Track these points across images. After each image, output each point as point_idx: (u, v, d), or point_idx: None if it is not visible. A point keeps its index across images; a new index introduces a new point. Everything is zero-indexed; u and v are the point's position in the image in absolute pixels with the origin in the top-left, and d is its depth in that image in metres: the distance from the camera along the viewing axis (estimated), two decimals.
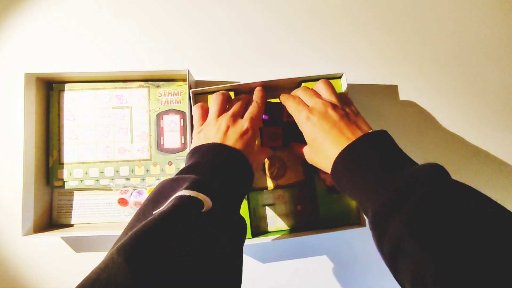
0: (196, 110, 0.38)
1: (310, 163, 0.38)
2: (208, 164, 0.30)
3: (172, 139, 0.45)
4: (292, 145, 0.42)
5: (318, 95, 0.37)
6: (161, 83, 0.46)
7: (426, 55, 0.50)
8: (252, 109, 0.37)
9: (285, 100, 0.38)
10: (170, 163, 0.45)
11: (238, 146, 0.33)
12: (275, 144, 0.44)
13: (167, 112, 0.46)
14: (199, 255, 0.23)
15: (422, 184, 0.24)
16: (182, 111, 0.46)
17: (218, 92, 0.38)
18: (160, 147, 0.45)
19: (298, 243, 0.47)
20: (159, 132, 0.45)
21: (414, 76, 0.50)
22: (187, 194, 0.25)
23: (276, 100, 0.44)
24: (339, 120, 0.33)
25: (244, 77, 0.42)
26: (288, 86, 0.46)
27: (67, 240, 0.47)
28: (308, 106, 0.35)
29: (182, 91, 0.46)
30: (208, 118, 0.37)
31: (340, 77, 0.44)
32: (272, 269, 0.47)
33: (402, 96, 0.49)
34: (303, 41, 0.50)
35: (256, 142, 0.41)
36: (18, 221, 0.40)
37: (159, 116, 0.46)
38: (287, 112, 0.41)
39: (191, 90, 0.41)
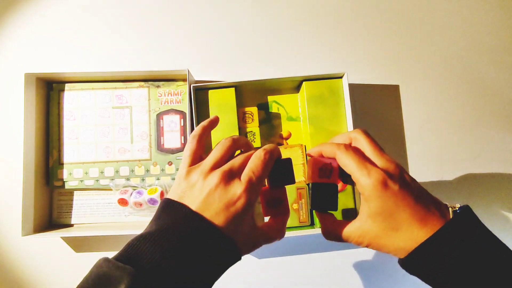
0: (190, 142, 0.28)
1: (363, 245, 0.28)
2: (169, 240, 0.23)
3: (172, 139, 0.45)
4: (328, 223, 0.30)
5: (381, 152, 0.28)
6: (161, 83, 0.46)
7: (428, 55, 0.50)
8: (252, 166, 0.27)
9: (338, 150, 0.28)
10: (170, 163, 0.45)
11: (220, 220, 0.24)
12: (277, 213, 0.32)
13: (167, 112, 0.45)
14: None
15: None
16: (182, 111, 0.45)
17: (228, 138, 0.28)
18: (160, 147, 0.45)
19: (294, 241, 0.47)
20: (159, 132, 0.45)
21: (415, 76, 0.50)
22: None
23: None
24: (421, 192, 0.27)
25: (244, 77, 0.42)
26: (288, 85, 0.46)
27: (67, 240, 0.47)
28: (376, 165, 0.27)
29: (182, 91, 0.45)
30: (202, 164, 0.27)
31: (341, 77, 0.43)
32: (268, 265, 0.47)
33: (403, 96, 0.49)
34: (304, 40, 0.50)
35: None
36: (18, 221, 0.40)
37: (159, 116, 0.45)
38: (319, 169, 0.31)
39: (192, 85, 0.41)
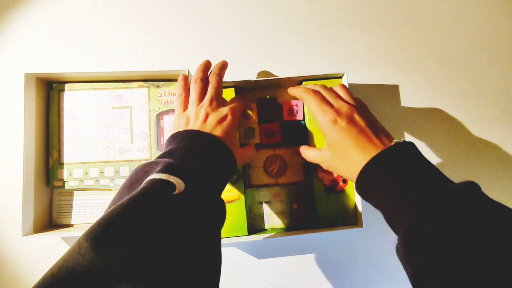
0: (177, 100, 0.38)
1: (326, 168, 0.37)
2: (184, 149, 0.29)
3: None
4: (301, 149, 0.41)
5: (340, 97, 0.36)
6: (161, 83, 0.46)
7: (428, 55, 0.50)
8: (232, 100, 0.38)
9: (304, 94, 0.36)
10: None
11: (217, 132, 0.33)
12: (271, 141, 0.44)
13: (167, 112, 0.45)
14: (171, 238, 0.23)
15: (458, 198, 0.25)
16: None
17: (194, 79, 0.37)
18: (160, 147, 0.45)
19: (294, 241, 0.47)
20: (159, 132, 0.45)
21: (415, 76, 0.50)
22: (158, 178, 0.25)
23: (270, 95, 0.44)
24: (366, 127, 0.32)
25: (244, 77, 0.42)
26: (288, 85, 0.46)
27: (67, 240, 0.47)
28: (332, 106, 0.34)
29: None
30: (190, 105, 0.36)
31: (341, 77, 0.44)
32: (268, 265, 0.47)
33: (403, 96, 0.49)
34: (304, 41, 0.50)
35: (253, 141, 0.43)
36: (18, 221, 0.40)
37: (159, 116, 0.45)
38: (288, 109, 0.42)
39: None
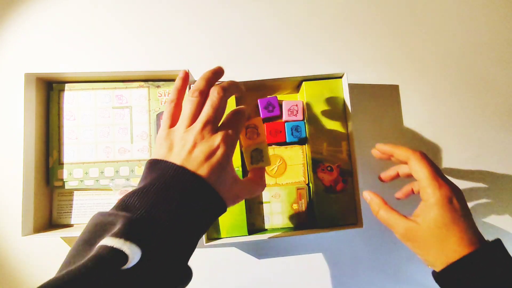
0: (167, 107, 0.30)
1: (404, 239, 0.31)
2: (155, 194, 0.24)
3: None
4: (374, 204, 0.34)
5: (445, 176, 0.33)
6: (161, 83, 0.46)
7: (428, 55, 0.50)
8: (230, 118, 0.29)
9: (413, 156, 0.33)
10: None
11: (203, 171, 0.26)
12: (277, 140, 0.43)
13: None
14: None
15: None
16: None
17: (191, 91, 0.29)
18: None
19: (294, 241, 0.47)
20: None
21: (415, 76, 0.50)
22: (109, 246, 0.21)
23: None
24: (468, 215, 0.30)
25: (244, 77, 0.42)
26: (288, 86, 0.46)
27: (67, 240, 0.47)
28: (447, 183, 0.31)
29: None
30: (177, 124, 0.29)
31: (341, 77, 0.44)
32: (268, 265, 0.47)
33: (403, 96, 0.49)
34: (304, 41, 0.50)
35: (261, 164, 0.34)
36: (18, 221, 0.40)
37: (159, 116, 0.45)
38: (288, 109, 0.42)
39: (192, 85, 0.41)
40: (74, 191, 0.46)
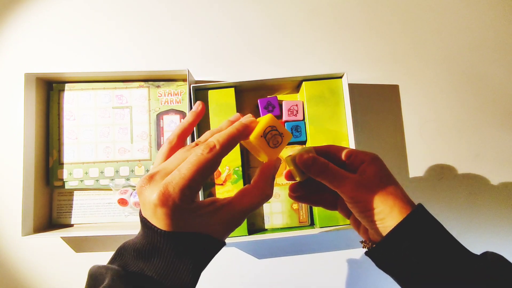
0: (164, 143, 0.27)
1: (354, 201, 0.28)
2: (136, 246, 0.24)
3: None
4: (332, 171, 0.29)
5: None
6: (161, 83, 0.46)
7: (427, 55, 0.50)
8: (181, 166, 0.23)
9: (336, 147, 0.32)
10: None
11: (168, 226, 0.23)
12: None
13: (167, 112, 0.45)
14: None
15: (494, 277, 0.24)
16: (182, 111, 0.45)
17: (167, 140, 0.26)
18: (160, 147, 0.45)
19: (294, 241, 0.47)
20: (159, 132, 0.45)
21: (415, 76, 0.50)
22: None
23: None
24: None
25: (244, 77, 0.42)
26: (288, 85, 0.46)
27: (67, 240, 0.47)
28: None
29: (182, 91, 0.45)
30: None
31: (341, 77, 0.43)
32: (268, 265, 0.47)
33: (403, 96, 0.49)
34: (304, 41, 0.50)
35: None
36: (18, 221, 0.40)
37: (159, 116, 0.45)
38: (288, 109, 0.42)
39: (192, 86, 0.41)
40: (74, 191, 0.46)
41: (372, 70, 0.50)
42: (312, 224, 0.44)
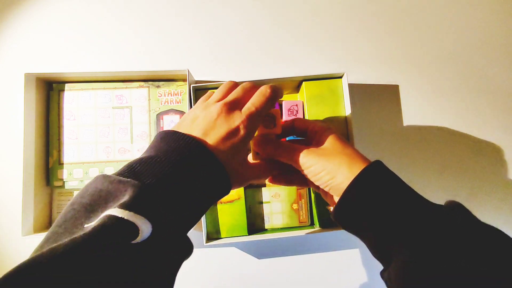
0: (207, 93, 0.31)
1: (305, 168, 0.29)
2: (167, 164, 0.23)
3: None
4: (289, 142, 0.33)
5: None
6: (161, 83, 0.46)
7: (428, 55, 0.50)
8: (255, 101, 0.28)
9: (296, 119, 0.35)
10: None
11: (220, 147, 0.25)
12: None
13: (167, 112, 0.45)
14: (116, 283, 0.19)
15: (455, 227, 0.25)
16: (182, 111, 0.45)
17: (229, 81, 0.31)
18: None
19: (294, 241, 0.47)
20: None
21: (415, 76, 0.50)
22: (119, 216, 0.19)
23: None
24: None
25: (244, 77, 0.42)
26: (289, 85, 0.46)
27: None
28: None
29: (182, 91, 0.45)
30: (207, 101, 0.29)
31: (341, 77, 0.43)
32: (268, 265, 0.47)
33: (403, 96, 0.49)
34: (304, 40, 0.50)
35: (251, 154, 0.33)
36: (18, 221, 0.40)
37: (159, 116, 0.45)
38: (288, 109, 0.42)
39: (191, 86, 0.41)
40: (74, 191, 0.46)
41: (372, 70, 0.50)
42: (312, 224, 0.44)
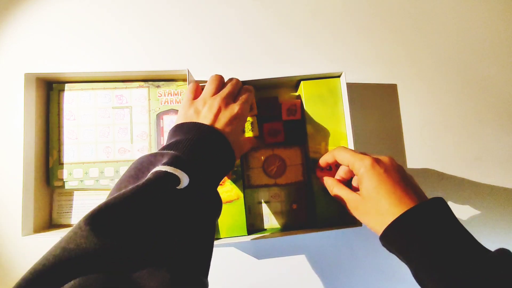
0: (190, 85, 0.37)
1: (353, 212, 0.35)
2: (190, 142, 0.30)
3: None
4: (328, 181, 0.39)
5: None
6: (161, 83, 0.46)
7: (426, 55, 0.51)
8: (244, 95, 0.37)
9: (335, 150, 0.37)
10: None
11: (227, 130, 0.33)
12: (276, 140, 0.44)
13: (167, 112, 0.46)
14: (170, 227, 0.24)
15: (495, 270, 0.25)
16: None
17: (215, 74, 0.38)
18: (160, 147, 0.45)
19: (294, 241, 0.47)
20: (159, 132, 0.46)
21: (413, 75, 0.50)
22: (164, 170, 0.25)
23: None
24: (402, 179, 0.32)
25: (244, 77, 0.42)
26: (287, 84, 0.46)
27: None
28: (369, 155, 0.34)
29: (182, 91, 0.46)
30: (201, 95, 0.36)
31: (339, 77, 0.44)
32: (268, 265, 0.47)
33: (402, 96, 0.50)
34: (303, 40, 0.50)
35: (251, 133, 0.44)
36: (18, 221, 0.40)
37: (159, 116, 0.46)
38: (287, 109, 0.43)
39: (189, 85, 0.41)
40: (74, 191, 0.46)
41: (370, 70, 0.50)
42: (311, 224, 0.44)
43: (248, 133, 0.44)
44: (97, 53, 0.49)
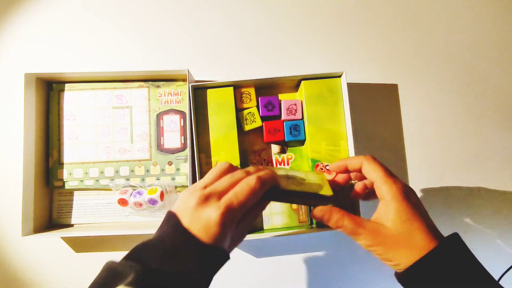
0: (210, 171, 0.30)
1: (378, 245, 0.29)
2: (166, 251, 0.25)
3: (172, 139, 0.45)
4: (346, 217, 0.31)
5: None
6: (161, 83, 0.46)
7: (426, 54, 0.51)
8: (237, 191, 0.27)
9: (366, 161, 0.32)
10: (170, 163, 0.45)
11: (203, 236, 0.26)
12: (276, 139, 0.44)
13: (167, 112, 0.46)
14: None
15: None
16: (182, 111, 0.46)
17: (224, 162, 0.31)
18: (160, 147, 0.45)
19: (294, 241, 0.47)
20: (159, 132, 0.45)
21: (414, 75, 0.50)
22: None
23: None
24: (426, 212, 0.30)
25: (244, 77, 0.42)
26: (288, 84, 0.46)
27: (67, 240, 0.47)
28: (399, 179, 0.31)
29: (182, 91, 0.46)
30: (196, 184, 0.29)
31: (339, 76, 0.44)
32: (267, 264, 0.47)
33: (402, 96, 0.50)
34: (303, 40, 0.50)
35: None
36: (18, 221, 0.40)
37: (159, 116, 0.46)
38: (287, 109, 0.42)
39: (190, 85, 0.41)
40: (74, 191, 0.46)
41: (371, 70, 0.50)
42: (311, 224, 0.44)
43: (251, 125, 0.43)
44: (97, 53, 0.49)
